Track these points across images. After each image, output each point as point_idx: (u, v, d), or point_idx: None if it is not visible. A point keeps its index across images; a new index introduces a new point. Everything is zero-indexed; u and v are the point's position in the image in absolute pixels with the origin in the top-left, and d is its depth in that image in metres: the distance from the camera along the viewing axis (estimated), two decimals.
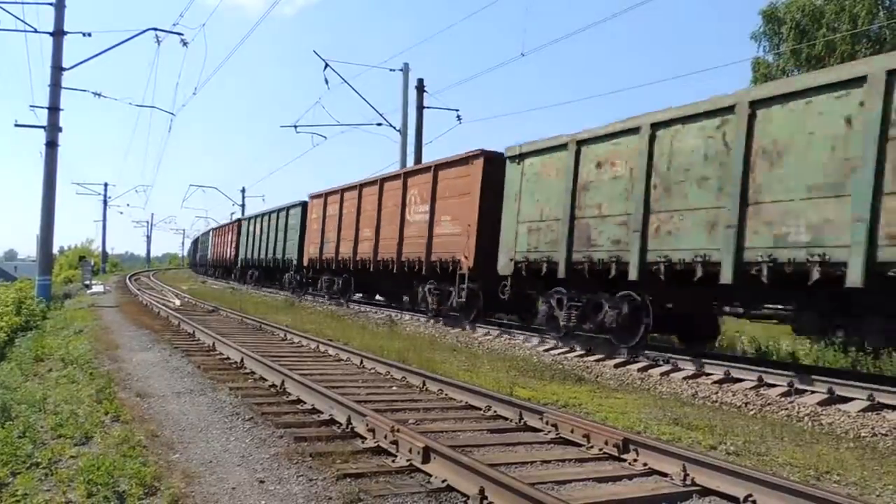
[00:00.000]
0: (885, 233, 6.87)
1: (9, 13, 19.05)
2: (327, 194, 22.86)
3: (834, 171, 7.36)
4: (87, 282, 29.40)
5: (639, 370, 9.53)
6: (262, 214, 32.62)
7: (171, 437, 5.46)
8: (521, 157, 12.37)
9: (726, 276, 8.32)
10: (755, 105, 8.23)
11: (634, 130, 9.88)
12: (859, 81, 7.21)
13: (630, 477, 4.68)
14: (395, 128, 25.15)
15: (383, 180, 18.69)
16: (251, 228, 34.16)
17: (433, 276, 15.59)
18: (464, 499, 4.01)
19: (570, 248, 10.93)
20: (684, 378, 8.89)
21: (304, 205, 25.77)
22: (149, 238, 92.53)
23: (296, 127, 26.93)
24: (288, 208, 27.89)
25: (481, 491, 3.86)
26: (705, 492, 4.34)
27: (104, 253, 64.27)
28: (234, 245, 38.85)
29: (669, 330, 11.52)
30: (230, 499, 4.08)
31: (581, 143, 10.90)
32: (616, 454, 5.07)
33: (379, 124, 25.58)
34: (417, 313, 16.62)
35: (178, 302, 21.27)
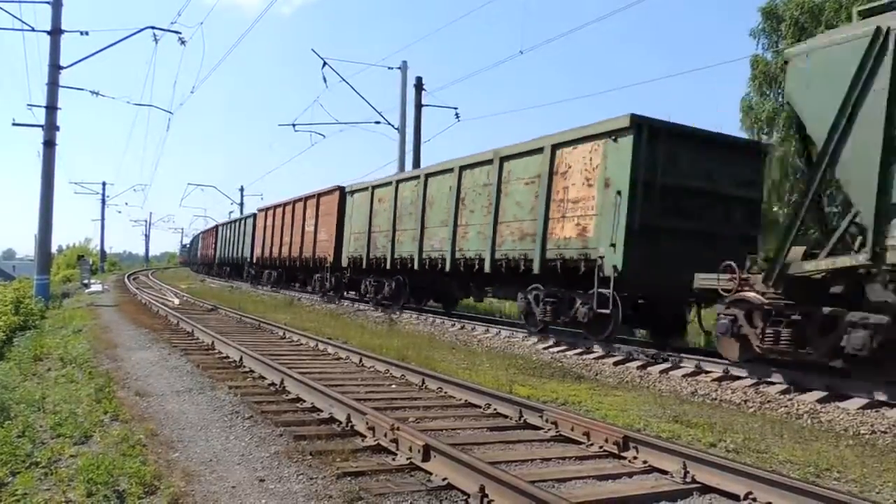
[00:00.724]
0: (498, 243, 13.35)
1: (6, 12, 18.91)
2: (268, 208, 30.66)
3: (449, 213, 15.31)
4: (86, 281, 29.35)
5: (638, 368, 9.54)
6: (231, 222, 41.13)
7: (170, 435, 5.45)
8: (351, 192, 21.05)
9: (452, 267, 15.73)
10: (428, 176, 16.55)
11: (389, 183, 18.50)
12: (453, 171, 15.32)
13: (630, 475, 4.69)
14: (393, 126, 25.17)
15: (296, 201, 26.27)
16: (223, 234, 42.44)
17: (318, 269, 23.72)
18: (464, 497, 4.00)
19: (369, 250, 19.13)
20: (684, 376, 8.90)
21: (254, 216, 33.62)
22: (147, 237, 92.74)
23: (294, 125, 26.95)
24: (242, 219, 36.56)
25: (482, 489, 3.86)
26: (705, 489, 4.34)
27: (102, 252, 64.18)
28: (213, 247, 46.08)
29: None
30: (230, 497, 4.08)
31: (374, 187, 19.29)
32: (616, 452, 5.07)
33: (377, 122, 25.60)
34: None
35: (176, 301, 21.25)
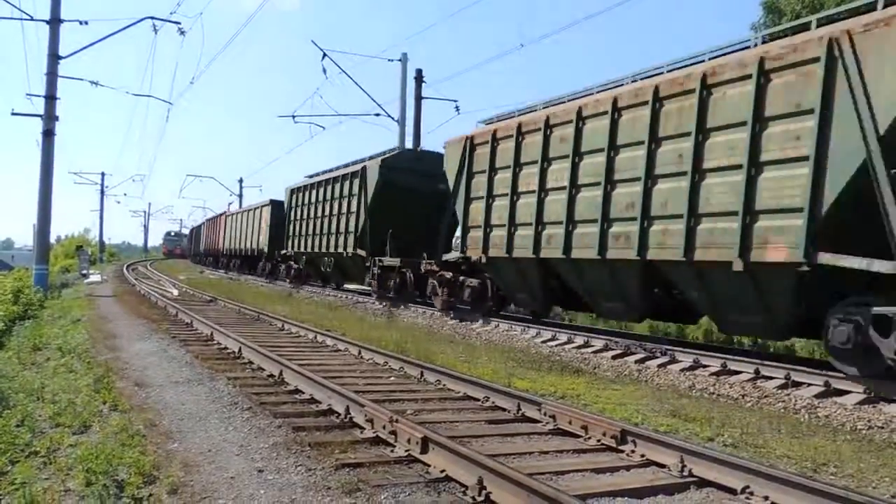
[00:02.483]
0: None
1: (5, 1, 18.83)
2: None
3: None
4: (85, 271, 29.35)
5: (636, 362, 9.55)
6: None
7: (169, 426, 5.46)
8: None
9: None
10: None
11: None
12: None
13: (628, 468, 4.70)
14: (393, 118, 25.12)
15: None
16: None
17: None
18: (462, 489, 4.02)
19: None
20: (682, 370, 8.91)
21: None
22: (146, 228, 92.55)
23: (294, 117, 26.88)
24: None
25: (480, 481, 3.87)
26: (703, 483, 4.36)
27: (101, 242, 64.15)
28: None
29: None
30: (229, 488, 4.08)
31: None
32: (614, 445, 5.08)
33: (377, 114, 25.54)
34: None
35: (175, 292, 21.24)
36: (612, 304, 11.12)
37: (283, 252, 26.28)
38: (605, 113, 10.38)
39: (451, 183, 14.38)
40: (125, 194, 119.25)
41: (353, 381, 7.38)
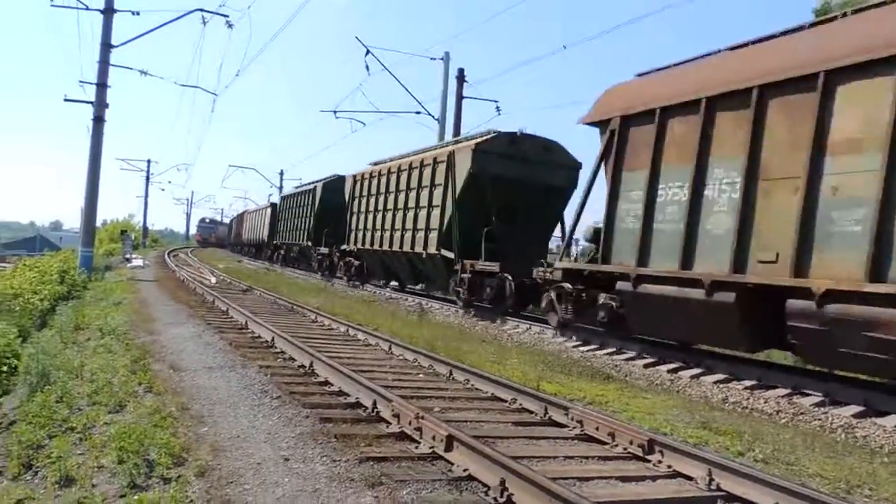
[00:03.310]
0: None
1: None
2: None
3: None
4: (128, 255, 30.07)
5: (669, 371, 9.41)
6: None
7: (200, 410, 5.57)
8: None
9: None
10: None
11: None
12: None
13: (654, 478, 4.64)
14: (433, 116, 25.16)
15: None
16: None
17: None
18: (484, 489, 4.01)
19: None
20: (715, 382, 8.74)
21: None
22: (188, 215, 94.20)
23: (335, 112, 27.10)
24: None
25: (502, 482, 3.86)
26: (730, 498, 4.28)
27: (145, 228, 65.66)
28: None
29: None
30: (255, 474, 4.15)
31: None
32: (641, 455, 5.02)
33: (418, 112, 25.60)
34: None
35: (213, 280, 21.64)
36: None
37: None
38: None
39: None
40: (169, 182, 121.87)
41: (381, 375, 7.42)
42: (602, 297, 10.82)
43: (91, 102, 20.50)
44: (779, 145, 8.18)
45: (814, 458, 5.59)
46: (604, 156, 10.89)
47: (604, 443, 5.36)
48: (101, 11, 19.99)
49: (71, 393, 6.06)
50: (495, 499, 3.81)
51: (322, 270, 26.53)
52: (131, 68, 27.25)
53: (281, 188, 56.79)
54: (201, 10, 20.60)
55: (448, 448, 4.55)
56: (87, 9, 20.03)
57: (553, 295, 12.08)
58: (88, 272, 19.80)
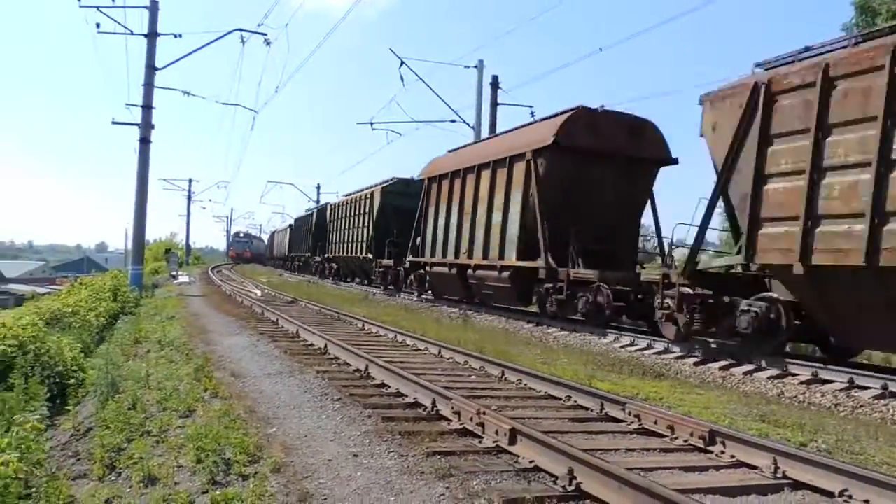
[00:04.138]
0: None
1: (108, 17, 20.06)
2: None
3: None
4: (174, 272, 30.87)
5: (720, 368, 9.34)
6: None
7: (266, 413, 5.76)
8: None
9: None
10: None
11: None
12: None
13: (717, 468, 4.66)
14: (468, 124, 25.36)
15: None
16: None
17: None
18: (552, 479, 4.09)
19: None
20: (769, 378, 8.66)
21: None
22: (228, 232, 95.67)
23: (371, 124, 27.45)
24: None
25: (570, 471, 3.94)
26: (797, 485, 4.28)
27: (188, 246, 67.10)
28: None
29: None
30: (327, 469, 4.30)
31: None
32: (702, 446, 5.04)
33: (453, 121, 25.85)
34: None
35: (258, 293, 22.08)
36: None
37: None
38: None
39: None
40: (210, 200, 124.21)
41: (434, 377, 7.53)
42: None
43: (137, 124, 21.19)
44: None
45: (879, 448, 5.53)
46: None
47: (663, 436, 5.39)
48: (145, 36, 20.71)
49: (141, 400, 6.33)
50: (564, 487, 3.89)
51: (385, 285, 23.76)
52: (175, 89, 28.00)
53: (318, 202, 57.55)
54: (240, 29, 21.23)
55: (512, 442, 4.64)
56: (132, 33, 20.76)
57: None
58: (139, 289, 20.40)
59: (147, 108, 21.05)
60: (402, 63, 24.11)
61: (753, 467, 4.59)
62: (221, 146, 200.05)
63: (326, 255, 33.30)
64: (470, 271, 16.41)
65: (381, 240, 24.14)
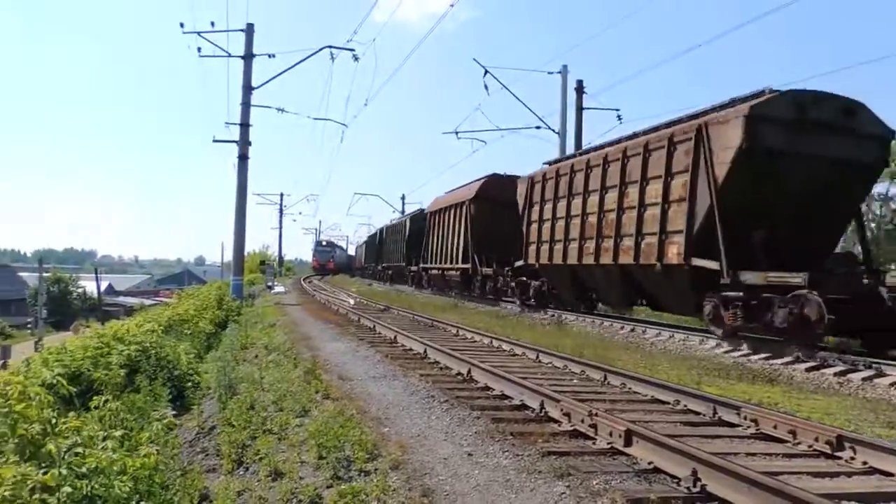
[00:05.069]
0: None
1: (209, 41, 21.17)
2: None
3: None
4: (270, 283, 32.13)
5: (835, 374, 8.87)
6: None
7: (377, 413, 5.92)
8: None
9: None
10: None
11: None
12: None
13: (848, 474, 4.44)
14: (553, 130, 25.18)
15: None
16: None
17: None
18: (674, 481, 4.02)
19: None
20: (891, 384, 8.15)
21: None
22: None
23: (457, 133, 27.70)
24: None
25: (694, 472, 3.85)
26: None
27: (280, 258, 69.63)
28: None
29: None
30: (444, 467, 4.39)
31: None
32: (829, 451, 4.82)
33: (538, 127, 25.68)
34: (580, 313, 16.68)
35: (351, 301, 22.67)
36: None
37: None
38: None
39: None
40: (300, 213, 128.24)
41: (536, 381, 7.52)
42: None
43: (236, 142, 22.25)
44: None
45: None
46: None
47: (784, 441, 5.18)
48: (242, 57, 21.74)
49: (258, 401, 6.64)
50: (688, 489, 3.81)
51: (485, 294, 22.32)
52: (269, 107, 29.20)
53: (403, 212, 58.50)
54: (330, 46, 21.91)
55: (627, 443, 4.59)
56: (230, 55, 21.85)
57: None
58: (240, 299, 21.35)
59: (245, 125, 22.08)
60: (486, 72, 24.24)
61: (889, 474, 4.35)
62: (311, 160, 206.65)
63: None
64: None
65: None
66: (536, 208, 17.91)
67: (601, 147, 15.66)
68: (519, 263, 19.04)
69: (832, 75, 58.74)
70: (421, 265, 30.98)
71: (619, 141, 14.77)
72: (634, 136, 14.18)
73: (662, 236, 12.58)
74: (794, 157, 10.90)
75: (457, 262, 24.74)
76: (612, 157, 14.41)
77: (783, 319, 10.06)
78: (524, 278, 19.14)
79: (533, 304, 18.73)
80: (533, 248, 18.05)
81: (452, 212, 25.46)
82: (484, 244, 22.41)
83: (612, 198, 14.34)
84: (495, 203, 21.77)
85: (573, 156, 17.69)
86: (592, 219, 15.08)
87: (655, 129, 13.58)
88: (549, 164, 18.20)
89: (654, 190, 12.92)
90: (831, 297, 9.53)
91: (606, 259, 14.38)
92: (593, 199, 15.08)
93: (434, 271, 28.84)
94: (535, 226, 17.93)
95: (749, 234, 10.99)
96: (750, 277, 10.62)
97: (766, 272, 10.48)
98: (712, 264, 11.29)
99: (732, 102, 11.54)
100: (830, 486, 4.14)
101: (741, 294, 10.78)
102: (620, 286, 14.55)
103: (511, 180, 20.89)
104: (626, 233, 13.79)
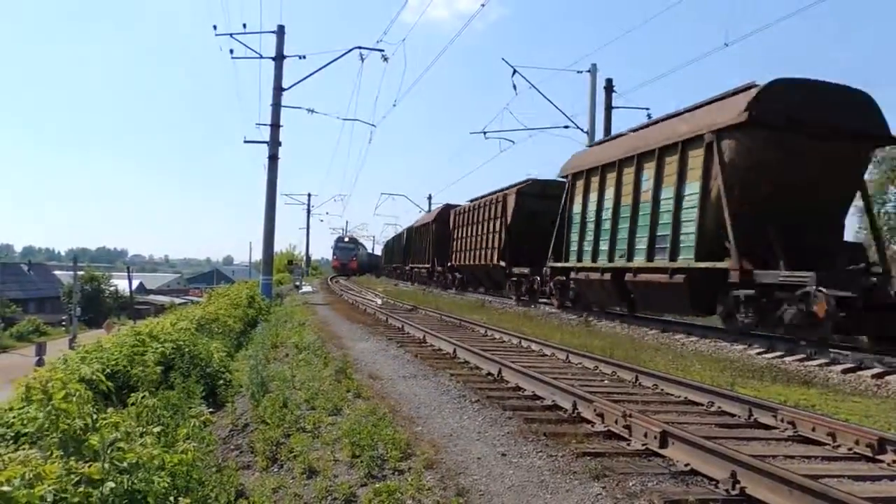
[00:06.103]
0: None
1: (241, 43, 21.42)
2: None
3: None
4: (298, 283, 32.40)
5: (873, 376, 8.69)
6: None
7: (409, 412, 5.94)
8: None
9: None
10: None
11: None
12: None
13: (891, 478, 4.34)
14: (582, 129, 25.01)
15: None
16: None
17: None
18: (712, 483, 3.97)
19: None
20: None
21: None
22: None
23: (484, 133, 27.66)
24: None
25: (733, 475, 3.80)
26: None
27: (308, 258, 70.15)
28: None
29: None
30: (479, 467, 4.38)
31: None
32: (870, 455, 4.72)
33: (566, 127, 25.54)
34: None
35: (378, 301, 22.76)
36: None
37: (550, 265, 18.56)
38: None
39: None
40: (327, 213, 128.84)
41: (568, 381, 7.47)
42: None
43: (266, 142, 22.48)
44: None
45: None
46: None
47: (823, 443, 5.09)
48: (273, 59, 21.96)
49: (291, 399, 6.68)
50: (727, 490, 3.76)
51: (519, 295, 21.69)
52: (300, 107, 29.45)
53: (429, 211, 58.56)
54: (360, 47, 22.04)
55: (663, 445, 4.54)
56: (262, 57, 22.07)
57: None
58: (269, 298, 21.56)
59: (275, 126, 22.30)
60: (515, 72, 24.15)
61: None
62: (339, 160, 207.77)
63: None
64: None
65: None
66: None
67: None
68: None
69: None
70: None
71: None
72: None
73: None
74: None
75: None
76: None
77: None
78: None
79: (570, 305, 18.06)
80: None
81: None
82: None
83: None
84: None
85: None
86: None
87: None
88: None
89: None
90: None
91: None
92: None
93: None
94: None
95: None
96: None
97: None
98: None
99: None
100: (873, 490, 4.05)
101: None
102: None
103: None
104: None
